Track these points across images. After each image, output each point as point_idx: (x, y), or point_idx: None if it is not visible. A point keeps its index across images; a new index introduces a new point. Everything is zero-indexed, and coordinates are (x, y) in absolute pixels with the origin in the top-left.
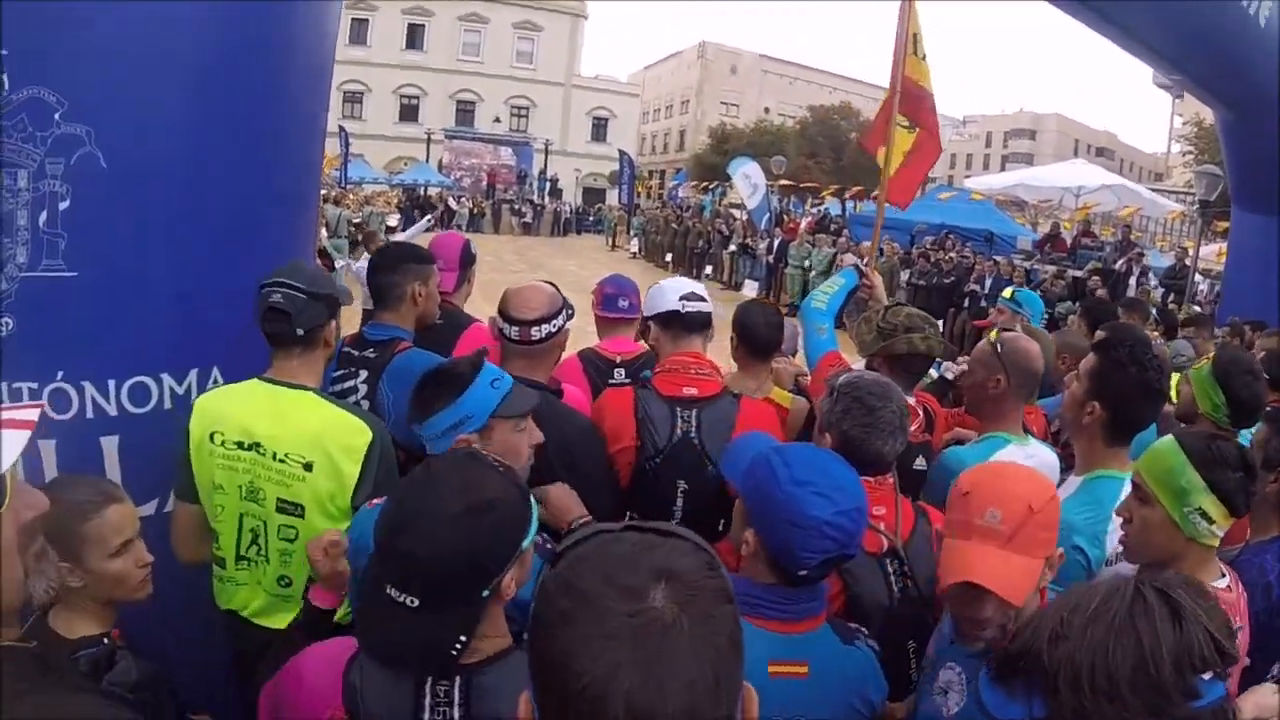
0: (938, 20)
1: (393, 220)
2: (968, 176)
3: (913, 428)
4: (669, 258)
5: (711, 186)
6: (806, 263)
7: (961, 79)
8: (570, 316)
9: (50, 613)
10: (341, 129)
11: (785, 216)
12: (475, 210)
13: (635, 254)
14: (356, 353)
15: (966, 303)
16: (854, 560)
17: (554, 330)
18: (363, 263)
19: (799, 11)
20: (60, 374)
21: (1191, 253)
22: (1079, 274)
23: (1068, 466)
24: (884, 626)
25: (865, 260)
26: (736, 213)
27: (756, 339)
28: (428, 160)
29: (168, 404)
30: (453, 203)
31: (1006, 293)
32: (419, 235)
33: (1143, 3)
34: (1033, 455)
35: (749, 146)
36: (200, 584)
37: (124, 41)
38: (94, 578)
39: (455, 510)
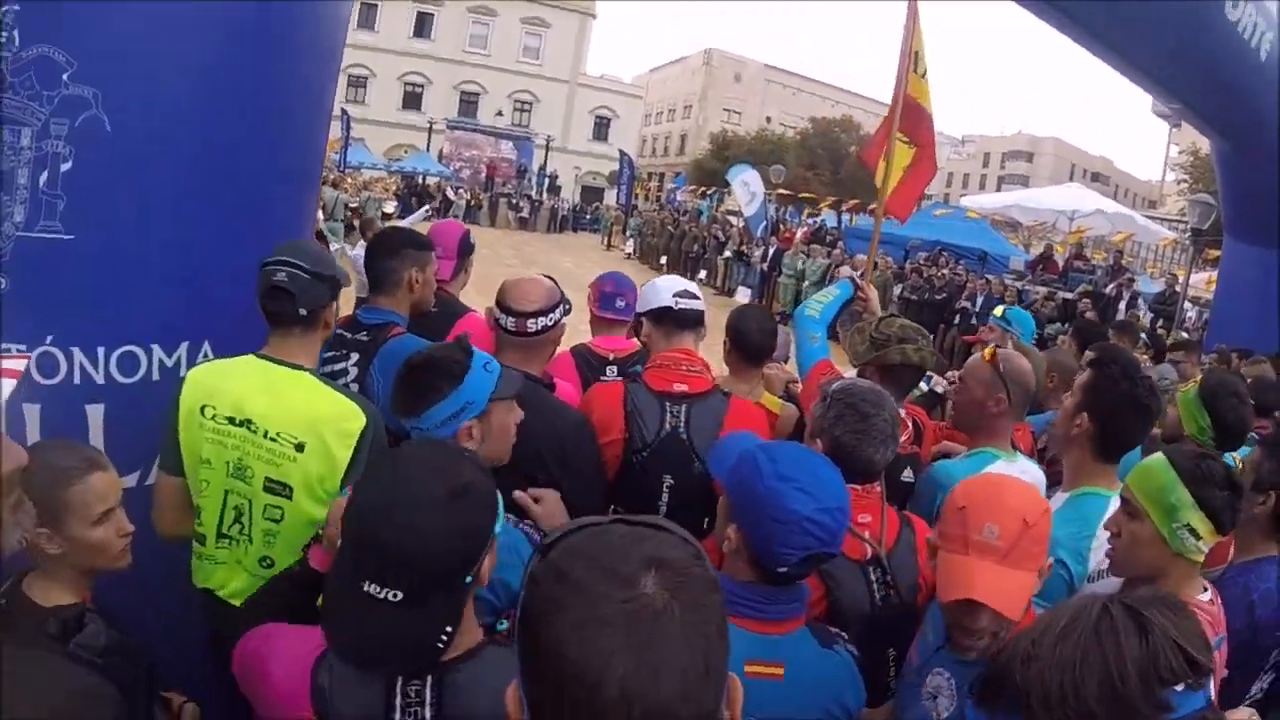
0: (942, 39)
1: (389, 207)
2: (964, 195)
3: (902, 439)
4: (664, 260)
5: (710, 192)
6: (800, 272)
7: (962, 99)
8: (567, 312)
9: (26, 579)
10: (344, 112)
11: (781, 225)
12: (473, 202)
13: (630, 255)
14: (349, 335)
15: (957, 319)
16: (837, 565)
17: (550, 324)
18: (359, 250)
19: (804, 23)
20: (50, 338)
21: (1182, 280)
22: (1069, 296)
23: (1054, 483)
24: (864, 633)
25: (861, 273)
26: (733, 219)
27: (750, 344)
28: (428, 149)
29: (156, 376)
30: (451, 193)
31: (998, 311)
32: (417, 224)
33: (1143, 32)
34: (1022, 472)
35: (749, 154)
36: (180, 559)
37: (138, 7)
38: (73, 545)
39: (438, 496)
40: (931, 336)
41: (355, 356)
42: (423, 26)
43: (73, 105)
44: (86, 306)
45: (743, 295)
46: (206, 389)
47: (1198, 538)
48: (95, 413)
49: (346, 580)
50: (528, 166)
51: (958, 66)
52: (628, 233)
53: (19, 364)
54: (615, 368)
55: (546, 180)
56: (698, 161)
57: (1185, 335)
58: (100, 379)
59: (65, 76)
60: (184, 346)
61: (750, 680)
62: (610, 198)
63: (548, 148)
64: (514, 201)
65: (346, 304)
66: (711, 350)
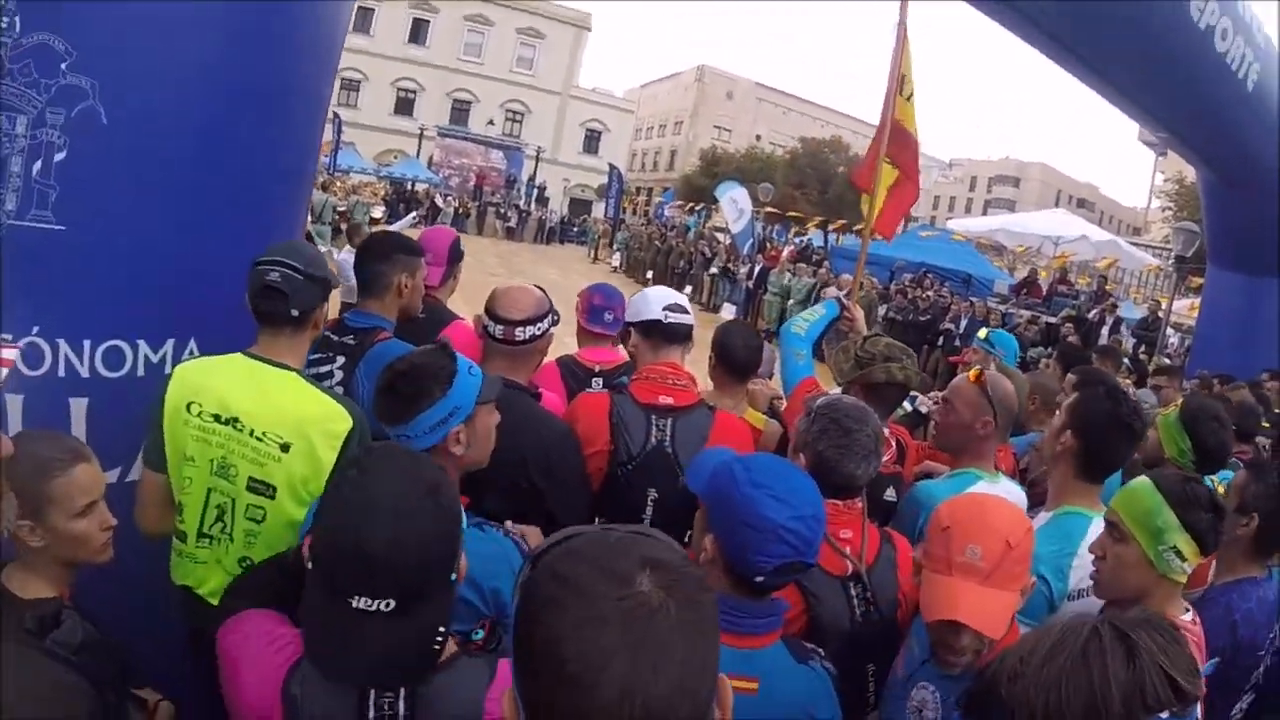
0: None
1: (377, 212)
2: (950, 218)
3: (885, 458)
4: (650, 275)
5: (698, 208)
6: (786, 290)
7: (950, 122)
8: (555, 322)
9: (5, 571)
10: (335, 115)
11: (768, 244)
12: (461, 210)
13: (616, 268)
14: (336, 338)
15: (941, 341)
16: (818, 581)
17: (538, 333)
18: (345, 254)
19: (796, 43)
20: (36, 328)
21: (1165, 306)
22: (1053, 320)
23: (1035, 504)
24: (844, 648)
25: (846, 293)
26: (720, 236)
27: (735, 360)
28: (418, 156)
29: (141, 371)
30: (439, 200)
31: (981, 333)
32: (404, 231)
33: (1132, 64)
34: (1005, 493)
35: (738, 172)
36: (160, 555)
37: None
38: (56, 537)
39: (415, 500)
40: (916, 356)
41: (341, 359)
42: (418, 33)
43: (70, 95)
44: (74, 298)
45: (728, 312)
46: (193, 386)
47: (1183, 559)
48: (79, 406)
49: (330, 601)
50: (517, 177)
51: (946, 90)
52: (614, 246)
53: (11, 353)
54: (601, 379)
55: (535, 191)
56: (687, 177)
57: (1168, 361)
58: (85, 372)
59: (64, 66)
60: (170, 343)
61: None
62: (598, 211)
63: (538, 159)
64: (502, 211)
65: (331, 308)
66: (697, 365)
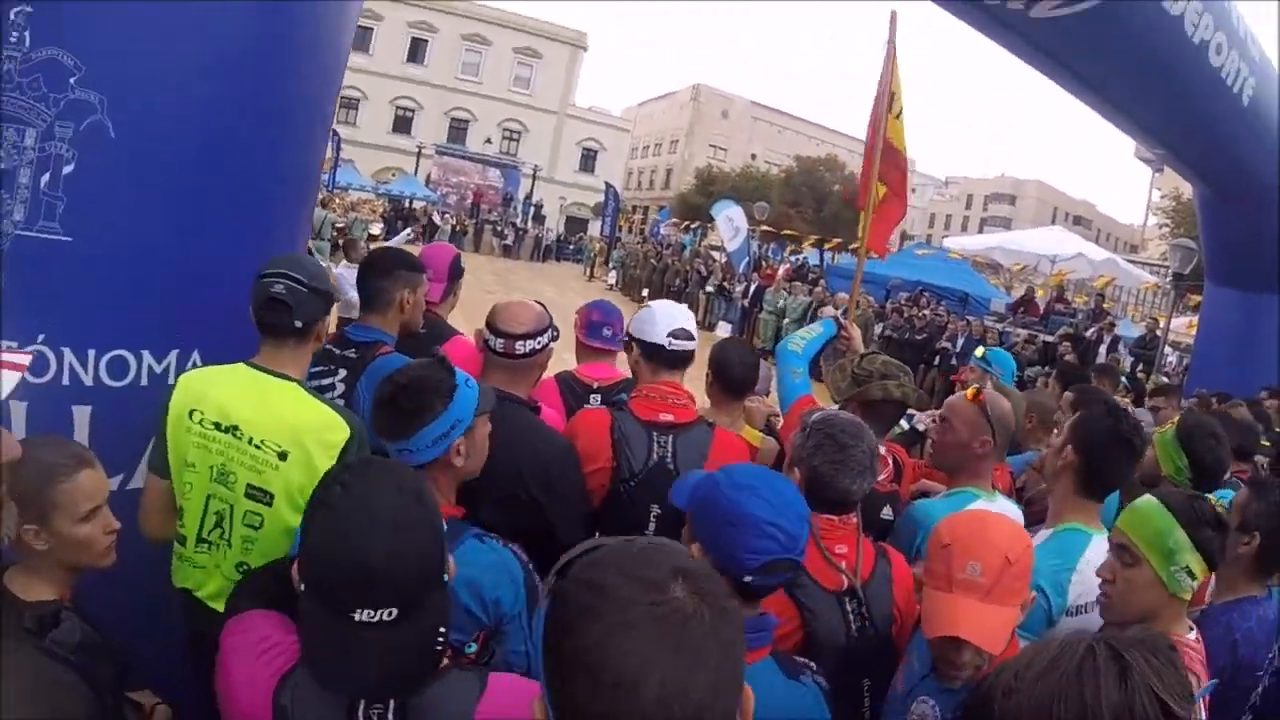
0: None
1: (375, 229)
2: (946, 236)
3: (882, 476)
4: (645, 292)
5: (693, 226)
6: (781, 309)
7: (945, 140)
8: (555, 338)
9: (7, 573)
10: (335, 132)
11: (764, 262)
12: (458, 228)
13: (612, 286)
14: (338, 351)
15: (937, 360)
16: (814, 596)
17: (538, 347)
18: (342, 268)
19: (791, 63)
20: (41, 336)
21: (1162, 324)
22: (1050, 339)
23: (1032, 523)
24: (840, 664)
25: (843, 311)
26: (716, 254)
27: (731, 377)
28: (416, 173)
29: (144, 381)
30: (437, 218)
31: (978, 352)
32: (401, 246)
33: (1127, 79)
34: (1002, 511)
35: (734, 190)
36: (162, 559)
37: (148, 16)
38: (60, 541)
39: (406, 509)
40: (913, 374)
41: (343, 373)
42: (417, 52)
43: (78, 109)
44: (80, 308)
45: (723, 330)
46: (196, 393)
47: (1192, 578)
48: (82, 414)
49: (330, 617)
50: (514, 195)
51: (942, 108)
52: (610, 264)
53: (23, 359)
54: (599, 396)
55: (532, 209)
56: (682, 196)
57: (1165, 379)
58: (89, 381)
59: (73, 80)
60: (174, 354)
61: None
62: (594, 229)
63: (534, 177)
64: (499, 229)
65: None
66: (693, 382)
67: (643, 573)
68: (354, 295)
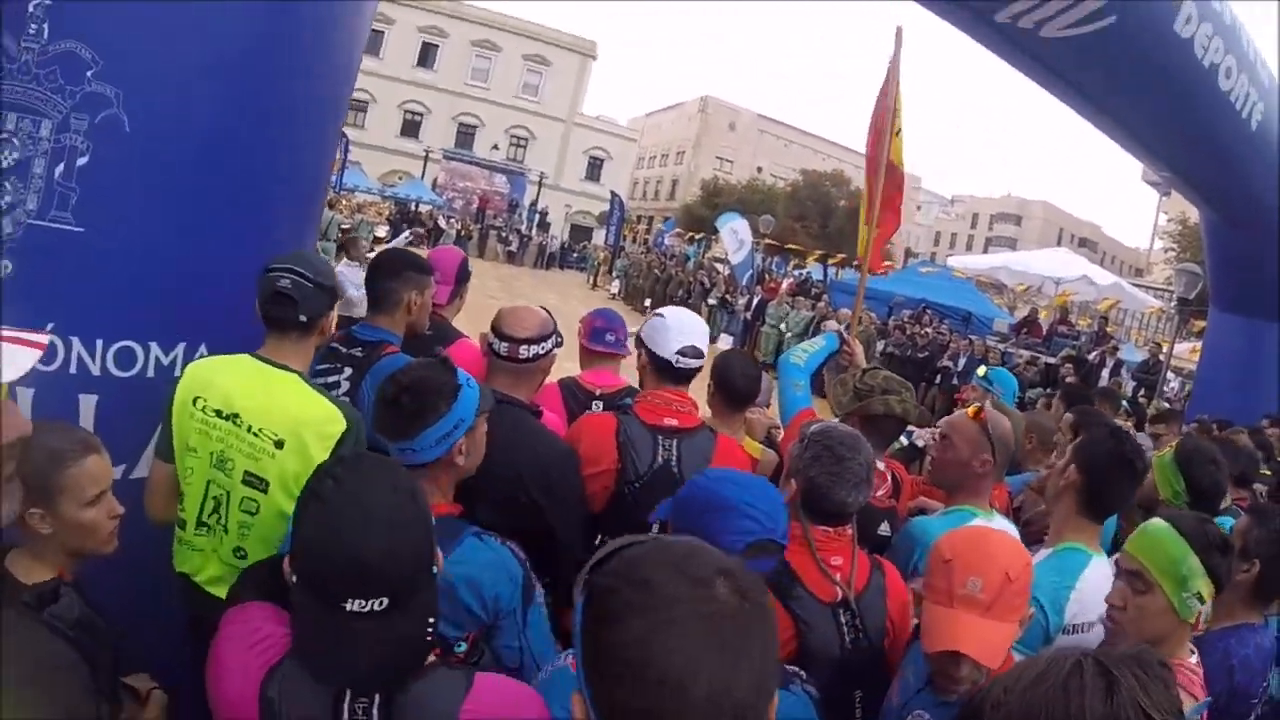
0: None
1: (381, 231)
2: (950, 254)
3: (880, 492)
4: (648, 302)
5: (698, 237)
6: (783, 324)
7: (953, 158)
8: (559, 344)
9: (9, 556)
10: (343, 134)
11: (767, 276)
12: (463, 232)
13: (615, 295)
14: (344, 350)
15: (939, 379)
16: (808, 608)
17: (541, 352)
18: (343, 266)
19: (799, 77)
20: (50, 325)
21: (1166, 349)
22: (1052, 361)
23: (1029, 543)
24: (833, 675)
25: (845, 326)
26: (720, 266)
27: (734, 388)
28: (423, 177)
29: (150, 372)
30: (442, 222)
31: (980, 371)
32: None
33: (1135, 97)
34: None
35: (739, 203)
36: (163, 546)
37: (164, 14)
38: (64, 525)
39: (399, 501)
40: (914, 391)
41: (349, 371)
42: (426, 56)
43: (94, 102)
44: (89, 298)
45: (724, 343)
46: (201, 381)
47: (1202, 603)
48: (87, 403)
49: (322, 608)
50: (519, 201)
51: (949, 126)
52: (614, 273)
53: (43, 338)
54: (601, 403)
55: (537, 216)
56: (688, 207)
57: (1168, 405)
58: (96, 370)
59: (90, 74)
60: (181, 346)
61: None
62: (599, 237)
63: (540, 184)
64: (504, 235)
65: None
66: (695, 392)
67: (689, 570)
68: (354, 294)
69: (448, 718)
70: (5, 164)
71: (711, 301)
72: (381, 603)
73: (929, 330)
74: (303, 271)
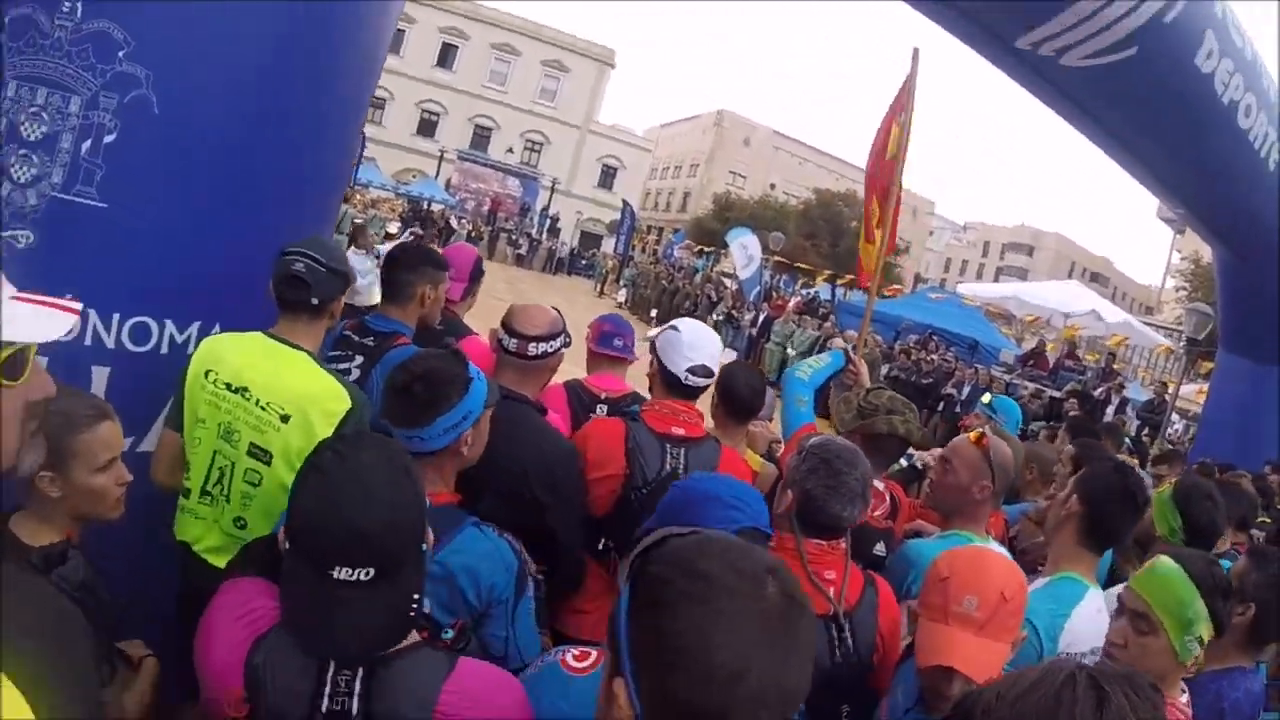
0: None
1: (393, 228)
2: (960, 281)
3: (878, 513)
4: (654, 313)
5: (707, 251)
6: (789, 342)
7: (966, 185)
8: (567, 344)
9: (14, 519)
10: (361, 131)
11: (775, 293)
12: (474, 233)
13: (622, 304)
14: (356, 338)
15: (942, 406)
16: None
17: (549, 350)
18: (351, 255)
19: (804, 77)
20: (68, 296)
21: (1171, 389)
22: (1057, 394)
23: (1025, 573)
24: (821, 688)
25: (852, 346)
26: (727, 281)
27: (738, 401)
28: (436, 177)
29: (164, 349)
30: (454, 222)
31: (985, 398)
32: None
33: (1153, 130)
34: None
35: (750, 218)
36: (161, 516)
37: (197, 3)
38: (74, 489)
39: (394, 475)
40: (918, 413)
41: (360, 359)
42: (446, 57)
43: (124, 82)
44: (108, 273)
45: (728, 358)
46: (214, 355)
47: (1201, 646)
48: (100, 374)
49: (312, 575)
50: (531, 205)
51: (965, 152)
52: (621, 282)
53: (76, 304)
54: (606, 407)
55: (548, 221)
56: (698, 220)
57: (1171, 446)
58: (111, 343)
59: (121, 54)
60: (196, 325)
61: None
62: (608, 246)
63: (553, 189)
64: (514, 238)
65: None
66: (699, 403)
67: (744, 565)
68: (360, 283)
69: (429, 695)
70: (33, 137)
71: (717, 316)
72: (368, 572)
73: (935, 357)
74: (317, 256)
